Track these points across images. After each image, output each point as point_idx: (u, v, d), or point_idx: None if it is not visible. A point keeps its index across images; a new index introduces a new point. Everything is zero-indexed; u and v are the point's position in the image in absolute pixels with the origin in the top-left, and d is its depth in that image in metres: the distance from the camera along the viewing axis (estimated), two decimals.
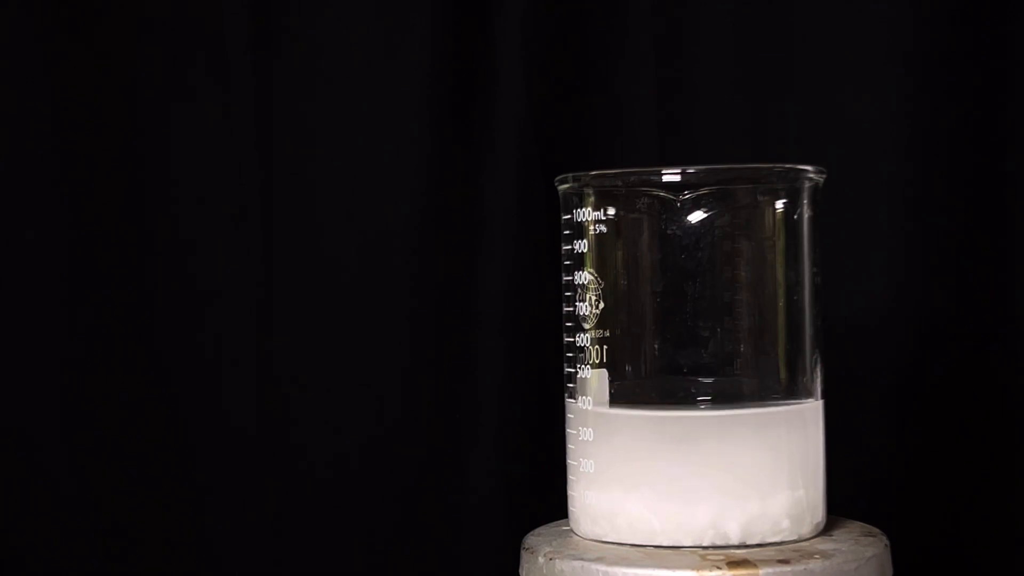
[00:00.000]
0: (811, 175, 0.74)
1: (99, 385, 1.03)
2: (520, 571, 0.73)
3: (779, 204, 0.73)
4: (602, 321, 0.73)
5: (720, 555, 0.69)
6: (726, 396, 0.72)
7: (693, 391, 0.73)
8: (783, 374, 0.73)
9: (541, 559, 0.71)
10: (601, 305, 0.73)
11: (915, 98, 0.98)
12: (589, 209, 0.74)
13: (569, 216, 0.75)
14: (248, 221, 1.03)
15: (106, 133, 1.02)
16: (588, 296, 0.73)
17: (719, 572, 0.67)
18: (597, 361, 0.73)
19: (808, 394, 0.74)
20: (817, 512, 0.73)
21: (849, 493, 0.79)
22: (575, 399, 0.74)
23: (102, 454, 1.02)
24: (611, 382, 0.73)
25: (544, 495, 0.97)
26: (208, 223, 1.03)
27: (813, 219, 0.74)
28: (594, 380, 0.73)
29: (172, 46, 1.03)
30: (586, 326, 0.74)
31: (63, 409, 1.03)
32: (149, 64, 1.02)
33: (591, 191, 0.74)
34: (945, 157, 0.98)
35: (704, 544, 0.70)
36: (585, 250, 0.74)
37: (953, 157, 0.98)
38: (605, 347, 0.73)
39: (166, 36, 1.03)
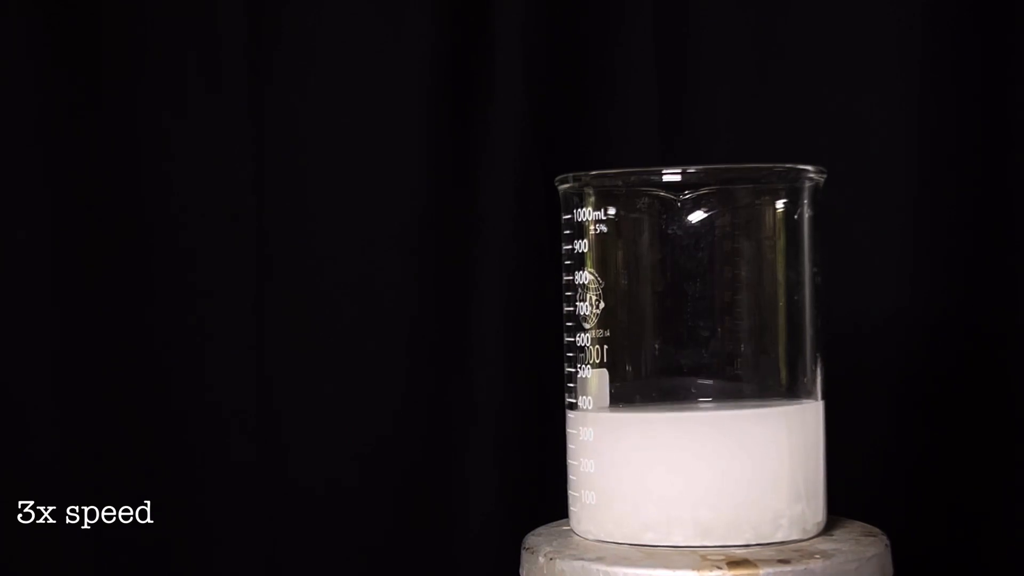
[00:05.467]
0: (811, 175, 0.74)
1: (91, 382, 1.02)
2: (520, 571, 0.73)
3: (779, 204, 0.73)
4: (602, 321, 0.73)
5: (720, 555, 0.69)
6: (726, 396, 0.73)
7: (693, 391, 0.73)
8: (783, 374, 0.73)
9: (541, 559, 0.71)
10: (601, 305, 0.73)
11: (922, 97, 0.98)
12: (589, 209, 0.74)
13: (569, 216, 0.75)
14: (242, 222, 1.03)
15: (100, 130, 1.02)
16: (588, 296, 0.73)
17: (719, 572, 0.67)
18: (597, 361, 0.73)
19: (809, 394, 0.74)
20: (817, 512, 0.73)
21: (849, 493, 0.79)
22: (575, 399, 0.74)
23: (94, 455, 1.02)
24: (611, 382, 0.73)
25: (544, 495, 0.97)
26: (202, 224, 1.03)
27: (813, 219, 0.74)
28: (594, 380, 0.73)
29: (166, 42, 1.03)
30: (586, 326, 0.74)
31: (54, 408, 1.02)
32: (142, 60, 1.02)
33: (591, 191, 0.74)
34: (951, 156, 0.98)
35: (704, 544, 0.70)
36: (585, 250, 0.74)
37: (959, 156, 0.98)
38: (605, 347, 0.73)
39: (160, 32, 1.02)
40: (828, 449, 0.74)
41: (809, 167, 0.74)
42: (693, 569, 0.67)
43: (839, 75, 0.99)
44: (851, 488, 0.81)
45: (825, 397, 0.74)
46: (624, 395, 0.73)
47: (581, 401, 0.74)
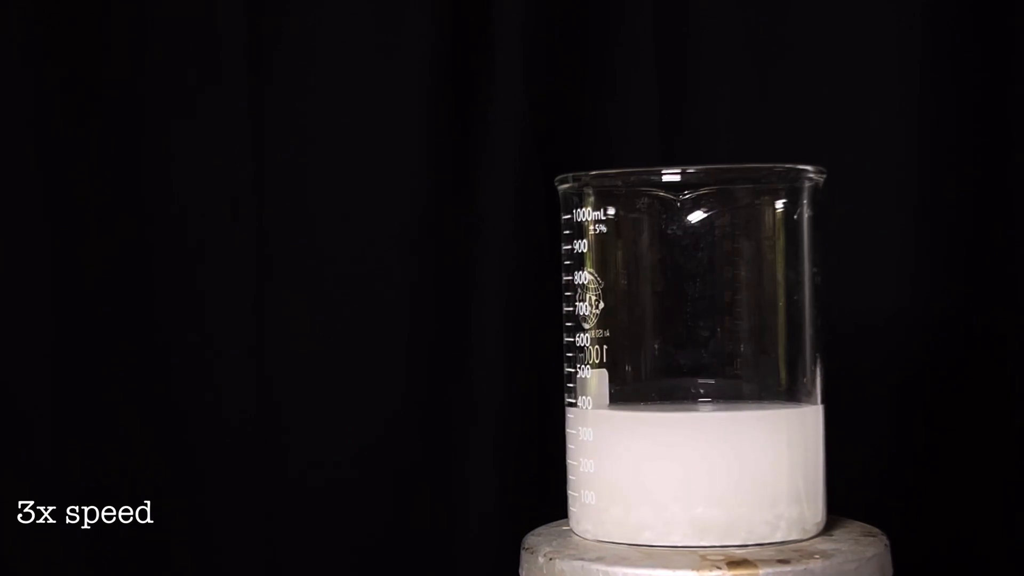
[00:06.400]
0: (811, 175, 0.74)
1: (91, 382, 1.02)
2: (520, 571, 0.73)
3: (779, 204, 0.73)
4: (602, 321, 0.73)
5: (720, 555, 0.69)
6: (726, 396, 0.73)
7: (693, 391, 0.73)
8: (783, 374, 0.73)
9: (541, 559, 0.71)
10: (601, 305, 0.73)
11: (922, 97, 0.98)
12: (589, 209, 0.74)
13: (569, 216, 0.75)
14: (242, 222, 1.03)
15: (100, 130, 1.02)
16: (588, 296, 0.73)
17: (719, 572, 0.67)
18: (597, 361, 0.73)
19: (808, 394, 0.74)
20: (817, 512, 0.73)
21: (849, 493, 0.79)
22: (575, 399, 0.74)
23: (94, 455, 1.02)
24: (611, 382, 0.73)
25: (544, 495, 0.97)
26: (201, 224, 1.03)
27: (813, 219, 0.74)
28: (594, 380, 0.73)
29: (166, 42, 1.03)
30: (586, 326, 0.74)
31: (54, 409, 1.02)
32: (142, 61, 1.02)
33: (591, 191, 0.74)
34: (951, 156, 0.98)
35: (704, 544, 0.70)
36: (585, 250, 0.74)
37: (959, 156, 0.98)
38: (605, 347, 0.73)
39: (160, 32, 1.02)
40: (828, 449, 0.74)
41: (809, 167, 0.74)
42: (692, 569, 0.67)
43: (839, 75, 0.99)
44: (851, 488, 0.81)
45: (825, 399, 0.74)
46: (624, 395, 0.73)
47: (581, 401, 0.74)
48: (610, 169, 0.74)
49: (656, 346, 0.73)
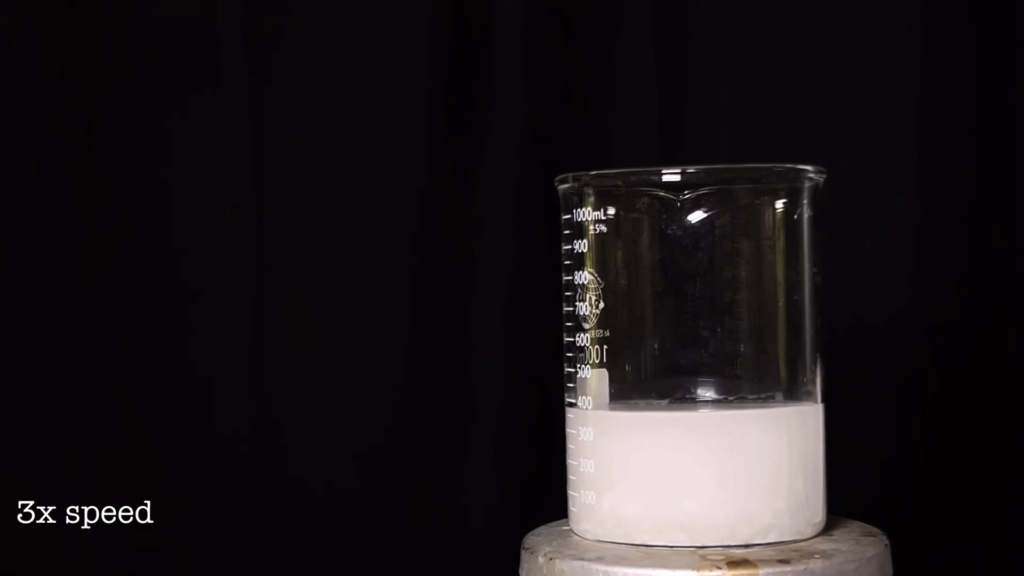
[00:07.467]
0: (811, 175, 0.74)
1: (91, 382, 1.02)
2: (520, 571, 0.73)
3: (779, 204, 0.73)
4: (602, 321, 0.73)
5: (720, 555, 0.69)
6: (726, 396, 0.73)
7: (693, 391, 0.73)
8: (783, 374, 0.73)
9: (541, 559, 0.71)
10: (601, 305, 0.73)
11: (922, 97, 0.98)
12: (589, 209, 0.74)
13: (569, 216, 0.75)
14: (242, 222, 1.03)
15: (100, 129, 1.02)
16: (588, 296, 0.73)
17: (719, 572, 0.67)
18: (597, 361, 0.73)
19: (809, 395, 0.74)
20: (817, 512, 0.73)
21: (849, 493, 0.79)
22: (575, 399, 0.74)
23: (94, 456, 1.02)
24: (611, 382, 0.73)
25: (544, 495, 0.97)
26: (200, 225, 1.03)
27: (813, 219, 0.74)
28: (594, 380, 0.73)
29: (166, 42, 1.03)
30: (586, 326, 0.74)
31: (54, 409, 1.02)
32: (142, 60, 1.02)
33: (591, 191, 0.74)
34: (951, 156, 0.98)
35: (704, 543, 0.70)
36: (585, 250, 0.74)
37: (959, 156, 0.98)
38: (605, 347, 0.73)
39: (160, 32, 1.03)
40: (828, 449, 0.74)
41: (809, 167, 0.74)
42: (693, 569, 0.67)
43: (839, 75, 0.99)
44: (851, 488, 0.81)
45: (825, 399, 0.74)
46: (624, 395, 0.73)
47: (581, 401, 0.74)
48: (610, 169, 0.74)
49: (656, 346, 0.73)
